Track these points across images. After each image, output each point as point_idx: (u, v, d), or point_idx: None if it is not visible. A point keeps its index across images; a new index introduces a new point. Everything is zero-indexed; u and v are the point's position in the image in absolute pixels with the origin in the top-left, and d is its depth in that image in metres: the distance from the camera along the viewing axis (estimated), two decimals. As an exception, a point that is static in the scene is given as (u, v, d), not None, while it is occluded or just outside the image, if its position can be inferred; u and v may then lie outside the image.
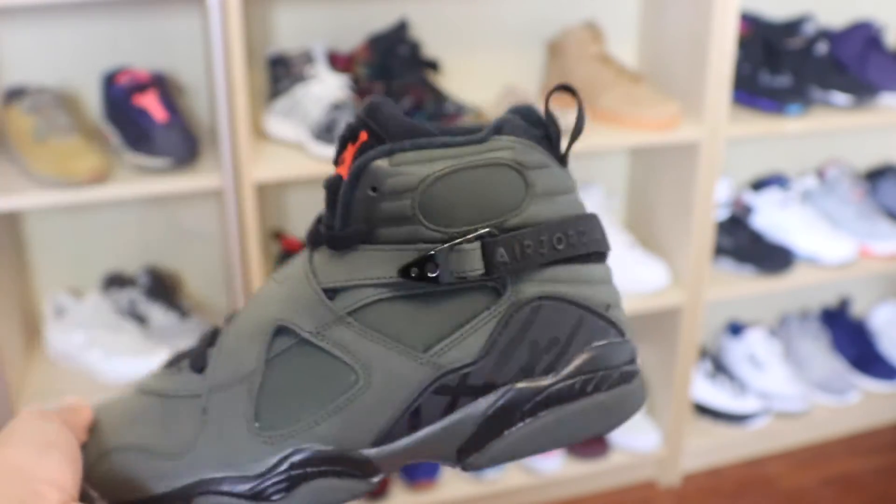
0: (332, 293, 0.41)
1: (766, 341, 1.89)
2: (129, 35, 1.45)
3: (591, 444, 1.69)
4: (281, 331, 0.42)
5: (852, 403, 1.88)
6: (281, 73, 1.42)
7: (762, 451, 1.88)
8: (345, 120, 1.34)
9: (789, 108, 1.59)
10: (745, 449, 1.87)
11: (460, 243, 0.39)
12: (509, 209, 0.40)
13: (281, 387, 0.41)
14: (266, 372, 0.41)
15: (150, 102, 1.35)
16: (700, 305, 1.64)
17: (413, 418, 0.40)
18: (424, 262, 0.39)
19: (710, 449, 1.83)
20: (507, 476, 1.64)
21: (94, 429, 0.44)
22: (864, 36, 1.71)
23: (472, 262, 0.39)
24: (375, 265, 0.40)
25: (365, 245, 0.40)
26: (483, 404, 0.40)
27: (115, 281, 1.53)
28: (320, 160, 1.35)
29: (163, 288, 1.55)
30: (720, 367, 1.87)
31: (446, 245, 0.39)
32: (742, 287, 1.69)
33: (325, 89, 1.39)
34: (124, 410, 0.44)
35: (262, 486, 0.40)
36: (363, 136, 0.41)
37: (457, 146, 0.40)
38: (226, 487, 0.41)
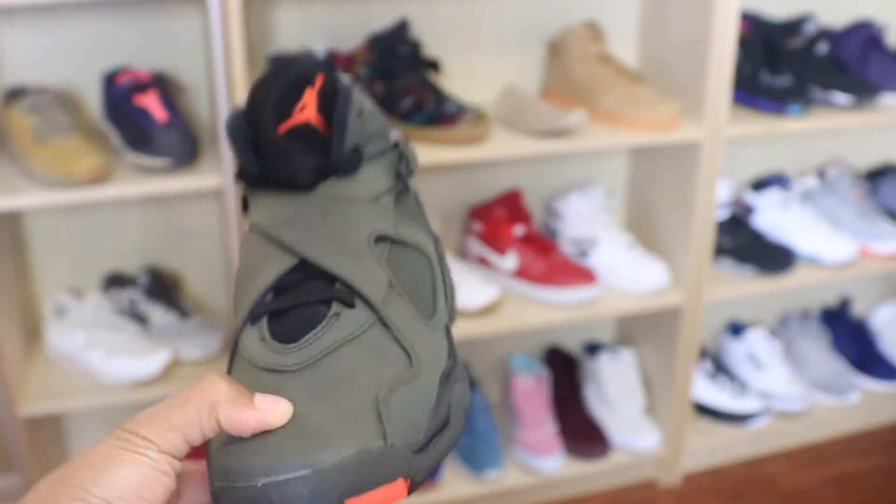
0: (377, 199, 0.49)
1: (767, 341, 1.89)
2: (129, 35, 1.45)
3: (591, 444, 1.69)
4: (378, 239, 0.48)
5: (852, 403, 1.88)
6: (281, 73, 1.42)
7: (762, 451, 1.88)
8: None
9: (789, 108, 1.59)
10: (746, 449, 1.87)
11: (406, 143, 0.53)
12: None
13: (405, 281, 0.47)
14: (392, 274, 0.47)
15: (151, 102, 1.35)
16: (700, 305, 1.64)
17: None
18: (405, 160, 0.52)
19: (711, 449, 1.83)
20: (507, 476, 1.64)
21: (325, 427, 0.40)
22: (865, 36, 1.71)
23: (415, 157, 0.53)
24: (380, 176, 0.50)
25: (364, 164, 0.49)
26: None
27: (116, 281, 1.53)
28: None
29: (163, 288, 1.55)
30: (720, 367, 1.87)
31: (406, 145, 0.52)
32: (742, 287, 1.69)
33: (326, 89, 1.38)
34: (340, 375, 0.42)
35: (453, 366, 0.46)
36: (320, 78, 0.49)
37: None
38: (452, 374, 0.46)
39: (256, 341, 0.44)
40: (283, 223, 0.47)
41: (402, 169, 0.51)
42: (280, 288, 0.46)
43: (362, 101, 0.49)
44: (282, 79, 0.49)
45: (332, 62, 0.53)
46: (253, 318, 0.45)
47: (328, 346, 0.43)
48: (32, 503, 0.37)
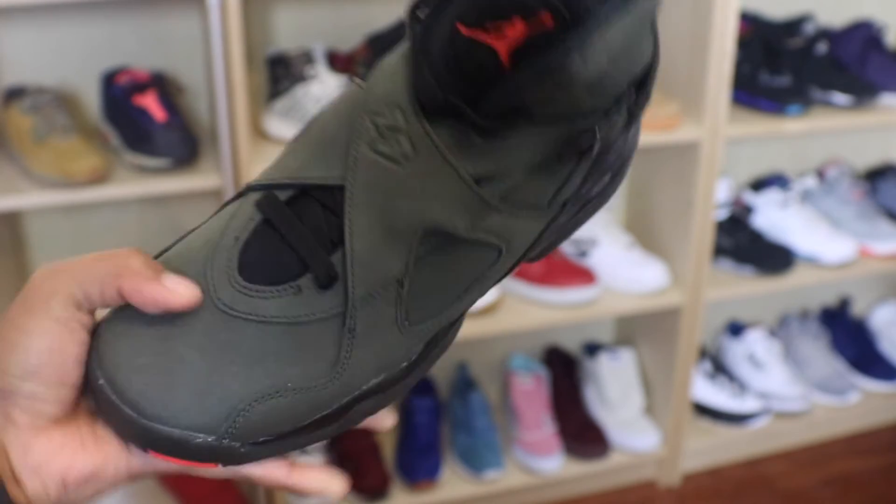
0: (480, 181, 0.38)
1: (766, 341, 1.89)
2: (129, 35, 1.45)
3: (590, 444, 1.69)
4: (430, 232, 0.38)
5: (852, 403, 1.88)
6: (281, 74, 1.42)
7: (762, 451, 1.88)
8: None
9: (789, 108, 1.59)
10: (745, 449, 1.87)
11: (617, 111, 0.38)
12: (646, 61, 0.38)
13: (428, 283, 0.40)
14: (413, 274, 0.39)
15: (150, 102, 1.35)
16: (700, 305, 1.64)
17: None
18: (583, 135, 0.37)
19: (710, 449, 1.83)
20: (506, 476, 1.64)
21: (213, 371, 0.37)
22: (864, 36, 1.71)
23: (618, 126, 0.38)
24: (528, 146, 0.37)
25: (521, 127, 0.37)
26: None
27: (115, 281, 1.53)
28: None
29: (162, 288, 1.55)
30: (720, 368, 1.87)
31: (607, 114, 0.37)
32: (742, 287, 1.69)
33: (325, 90, 1.39)
34: (245, 348, 0.38)
35: (409, 370, 0.41)
36: (547, 19, 0.36)
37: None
38: (379, 389, 0.40)
39: (231, 235, 0.39)
40: (374, 116, 0.38)
41: (581, 161, 0.39)
42: (304, 192, 0.39)
43: (576, 73, 0.34)
44: None
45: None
46: (259, 204, 0.40)
47: (262, 315, 0.38)
48: None
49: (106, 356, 0.38)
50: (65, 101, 1.40)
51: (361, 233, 0.38)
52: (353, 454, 1.61)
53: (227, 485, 1.57)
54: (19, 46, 1.41)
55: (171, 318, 0.38)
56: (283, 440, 0.39)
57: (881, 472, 1.84)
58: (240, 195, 0.41)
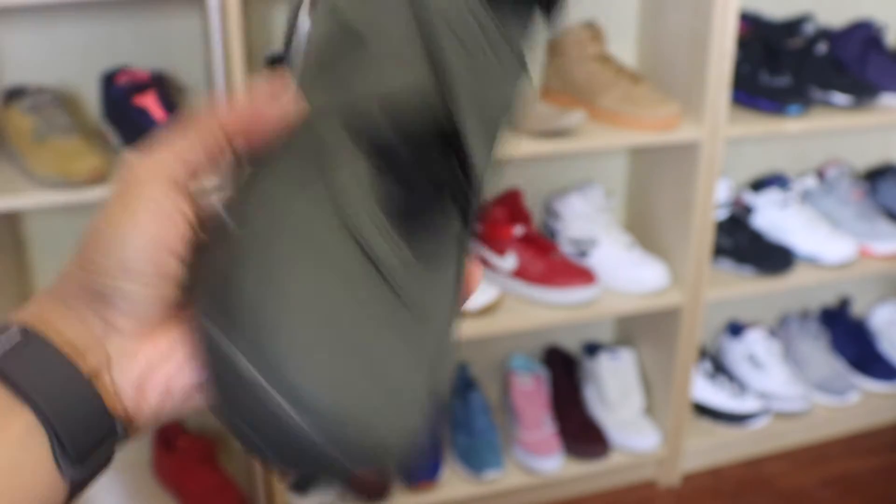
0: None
1: (766, 341, 1.89)
2: (129, 35, 1.45)
3: (590, 444, 1.69)
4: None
5: (852, 403, 1.88)
6: (281, 73, 1.41)
7: (762, 451, 1.88)
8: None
9: (789, 108, 1.59)
10: (745, 449, 1.87)
11: None
12: None
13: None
14: None
15: (150, 102, 1.35)
16: (700, 305, 1.64)
17: None
18: None
19: (710, 449, 1.83)
20: (507, 476, 1.64)
21: None
22: (864, 36, 1.72)
23: None
24: None
25: None
26: None
27: (115, 281, 1.53)
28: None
29: (162, 288, 1.54)
30: (720, 368, 1.87)
31: None
32: (742, 287, 1.69)
33: (325, 89, 1.38)
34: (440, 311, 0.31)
35: None
36: None
37: None
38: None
39: (358, 186, 0.29)
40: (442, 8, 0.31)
41: None
42: (394, 112, 0.29)
43: None
44: None
45: None
46: (356, 135, 0.29)
47: (446, 283, 0.30)
48: (57, 294, 0.35)
49: (267, 335, 0.27)
50: (65, 101, 1.40)
51: (476, 141, 0.31)
52: (353, 454, 1.61)
53: (228, 484, 1.57)
54: (19, 46, 1.41)
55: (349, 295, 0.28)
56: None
57: (881, 472, 1.84)
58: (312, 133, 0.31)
